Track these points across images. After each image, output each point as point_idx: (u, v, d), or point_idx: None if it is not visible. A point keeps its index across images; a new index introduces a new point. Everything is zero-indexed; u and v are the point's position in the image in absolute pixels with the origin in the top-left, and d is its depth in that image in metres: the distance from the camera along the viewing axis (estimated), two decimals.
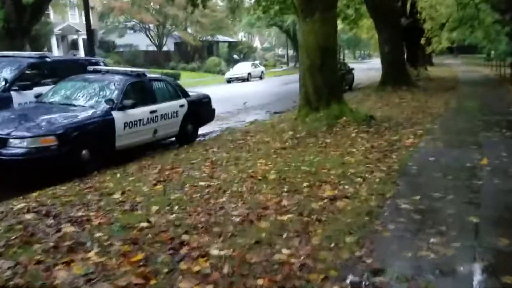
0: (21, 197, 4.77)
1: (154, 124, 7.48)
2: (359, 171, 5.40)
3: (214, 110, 9.47)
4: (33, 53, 9.71)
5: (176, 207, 4.26)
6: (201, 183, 5.07)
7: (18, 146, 5.63)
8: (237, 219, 3.88)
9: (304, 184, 4.90)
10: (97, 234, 3.56)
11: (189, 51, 42.59)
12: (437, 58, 45.12)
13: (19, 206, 4.40)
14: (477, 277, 2.92)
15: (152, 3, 38.42)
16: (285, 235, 3.53)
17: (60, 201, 4.54)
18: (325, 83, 9.11)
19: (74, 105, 6.87)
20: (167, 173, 5.65)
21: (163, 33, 40.45)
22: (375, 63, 33.89)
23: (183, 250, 3.25)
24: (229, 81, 29.42)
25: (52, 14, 31.21)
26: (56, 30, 33.57)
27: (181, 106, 8.21)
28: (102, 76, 7.72)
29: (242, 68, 31.39)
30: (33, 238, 3.54)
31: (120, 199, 4.58)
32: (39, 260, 3.12)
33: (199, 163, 6.18)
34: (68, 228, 3.69)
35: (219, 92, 18.21)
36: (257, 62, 37.66)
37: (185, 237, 3.48)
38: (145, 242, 3.40)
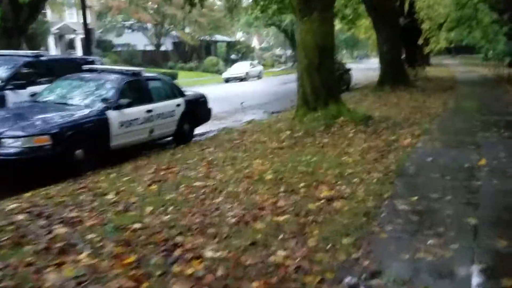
0: (13, 197, 4.69)
1: (150, 123, 7.42)
2: (356, 171, 5.35)
3: (210, 109, 9.41)
4: (29, 52, 9.63)
5: (171, 207, 4.20)
6: (196, 183, 5.01)
7: (11, 145, 5.57)
8: (233, 220, 3.82)
9: (301, 184, 4.84)
10: (90, 236, 3.49)
11: (187, 50, 42.53)
12: (435, 58, 45.13)
13: (11, 206, 4.32)
14: (476, 279, 2.87)
15: (150, 2, 38.34)
16: (281, 237, 3.47)
17: (53, 202, 4.47)
18: (323, 82, 9.07)
19: (69, 104, 6.81)
20: (162, 173, 5.59)
21: (161, 33, 40.39)
22: (373, 63, 33.86)
23: (177, 252, 3.18)
24: (227, 80, 29.36)
25: (49, 13, 31.11)
26: (54, 29, 33.48)
27: (178, 105, 8.15)
28: (98, 75, 7.66)
29: (240, 68, 31.33)
30: (24, 239, 3.47)
31: (114, 199, 4.51)
32: (29, 262, 3.05)
33: (195, 163, 6.12)
34: (60, 229, 3.62)
35: (217, 91, 18.14)
36: (255, 61, 37.59)
37: (179, 239, 3.42)
38: (138, 244, 3.34)
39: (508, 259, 3.16)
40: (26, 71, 8.33)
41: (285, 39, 50.45)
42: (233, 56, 46.40)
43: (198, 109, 8.90)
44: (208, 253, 3.15)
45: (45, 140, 5.66)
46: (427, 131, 8.17)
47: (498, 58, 23.34)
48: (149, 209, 4.14)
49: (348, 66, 21.61)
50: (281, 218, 3.86)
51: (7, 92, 7.71)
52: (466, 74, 27.70)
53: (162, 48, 41.18)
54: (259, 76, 31.74)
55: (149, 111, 7.37)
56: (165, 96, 8.06)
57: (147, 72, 8.88)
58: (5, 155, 5.49)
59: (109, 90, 7.00)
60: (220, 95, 16.58)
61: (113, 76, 7.46)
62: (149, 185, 5.04)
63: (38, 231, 3.64)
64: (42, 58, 8.85)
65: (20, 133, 5.69)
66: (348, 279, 2.84)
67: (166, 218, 3.90)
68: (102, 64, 10.27)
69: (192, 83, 24.37)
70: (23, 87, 7.87)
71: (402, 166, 5.67)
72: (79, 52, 34.69)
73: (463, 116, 10.30)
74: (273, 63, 49.86)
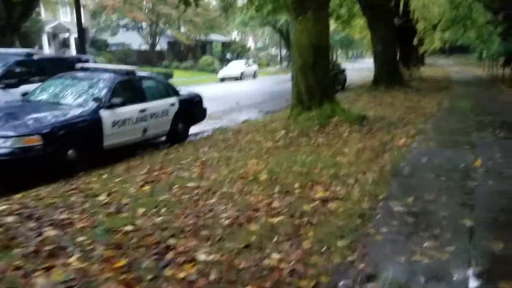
0: (3, 199, 4.60)
1: (144, 123, 7.34)
2: (351, 171, 5.31)
3: (205, 109, 9.33)
4: (20, 50, 9.52)
5: (164, 209, 4.13)
6: (190, 184, 4.95)
7: (1, 146, 5.46)
8: (226, 222, 3.77)
9: (296, 185, 4.79)
10: (80, 238, 3.42)
11: (182, 50, 42.36)
12: (429, 58, 45.31)
13: (1, 208, 4.24)
14: (472, 282, 2.83)
15: (144, 2, 38.14)
16: (275, 239, 3.42)
17: (44, 203, 4.39)
18: (318, 82, 9.04)
19: (61, 104, 6.72)
20: (155, 173, 5.51)
21: (156, 32, 40.20)
22: (368, 63, 33.92)
23: (169, 255, 3.12)
24: (222, 80, 29.27)
25: (43, 12, 30.85)
26: (48, 28, 33.19)
27: (172, 104, 8.07)
28: (90, 74, 7.56)
29: (235, 67, 31.24)
30: (13, 242, 3.39)
31: (105, 200, 4.43)
32: (18, 265, 2.98)
33: (189, 163, 6.06)
34: (50, 232, 3.55)
35: (212, 91, 18.06)
36: (250, 60, 37.50)
37: (171, 241, 3.36)
38: (130, 247, 3.27)
39: (505, 261, 3.12)
40: (17, 69, 8.23)
41: (280, 39, 50.37)
42: (228, 56, 46.30)
43: (192, 109, 8.83)
44: (201, 256, 3.09)
45: (36, 140, 5.56)
46: (422, 131, 8.15)
47: (493, 58, 23.45)
48: (141, 210, 4.07)
49: (343, 66, 21.62)
50: (275, 220, 3.81)
51: None
52: (461, 74, 27.81)
53: (157, 48, 40.98)
54: (254, 76, 31.68)
55: (142, 110, 7.29)
56: (159, 95, 7.97)
57: (141, 71, 8.79)
58: None
59: (101, 89, 6.90)
60: (215, 95, 16.50)
61: (106, 75, 7.36)
62: (142, 186, 4.96)
63: (27, 233, 3.56)
64: (33, 57, 8.73)
65: (10, 133, 5.59)
66: (343, 283, 2.79)
67: (158, 220, 3.84)
68: (95, 63, 10.15)
69: (188, 83, 24.25)
70: (14, 86, 7.77)
71: (397, 166, 5.64)
72: (73, 51, 34.42)
73: (458, 116, 10.30)
74: (269, 63, 49.80)
